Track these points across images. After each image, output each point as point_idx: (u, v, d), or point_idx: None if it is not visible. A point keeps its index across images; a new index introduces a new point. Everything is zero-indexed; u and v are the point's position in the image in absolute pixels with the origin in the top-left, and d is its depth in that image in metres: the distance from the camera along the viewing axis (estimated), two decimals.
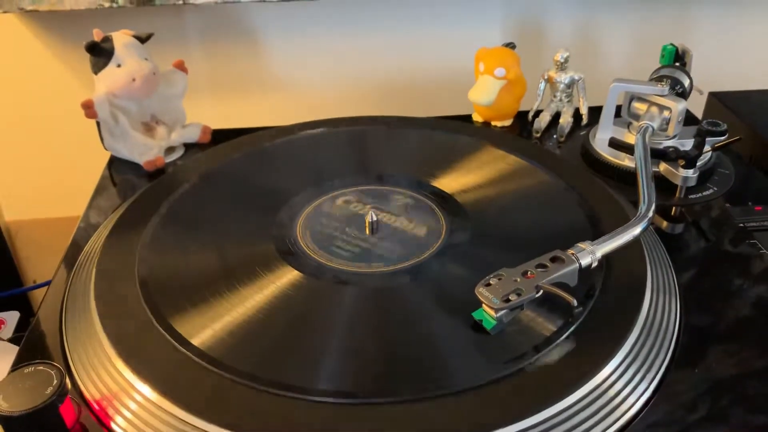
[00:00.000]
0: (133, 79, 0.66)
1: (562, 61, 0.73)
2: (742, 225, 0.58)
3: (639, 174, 0.54)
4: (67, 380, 0.39)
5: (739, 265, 0.53)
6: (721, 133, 0.61)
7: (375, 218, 0.54)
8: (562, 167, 0.62)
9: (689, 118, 0.71)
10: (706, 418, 0.41)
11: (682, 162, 0.60)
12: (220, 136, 0.73)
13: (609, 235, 0.47)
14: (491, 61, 0.72)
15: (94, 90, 0.67)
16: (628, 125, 0.67)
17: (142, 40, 0.68)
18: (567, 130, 0.73)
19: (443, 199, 0.58)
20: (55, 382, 0.38)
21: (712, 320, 0.48)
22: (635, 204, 0.52)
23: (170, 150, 0.71)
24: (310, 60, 0.89)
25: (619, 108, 0.66)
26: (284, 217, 0.56)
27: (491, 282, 0.43)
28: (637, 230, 0.48)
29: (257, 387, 0.40)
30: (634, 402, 0.41)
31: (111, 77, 0.65)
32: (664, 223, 0.59)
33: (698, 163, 0.61)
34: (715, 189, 0.62)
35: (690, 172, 0.60)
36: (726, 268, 0.53)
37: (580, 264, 0.44)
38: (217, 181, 0.61)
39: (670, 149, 0.60)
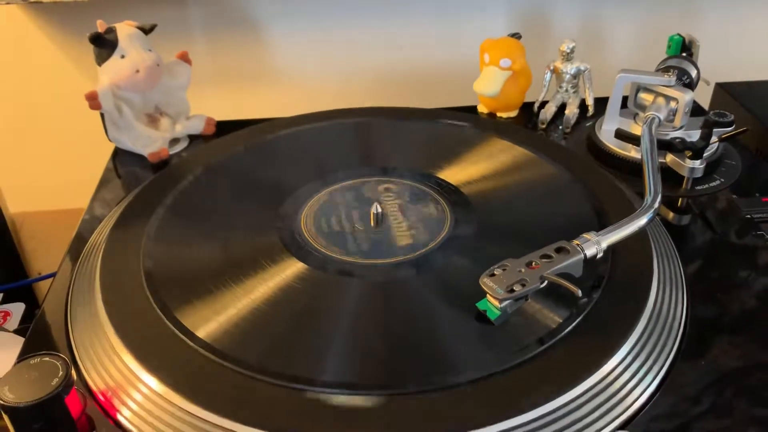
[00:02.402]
0: (137, 71, 0.65)
1: (568, 51, 0.72)
2: (748, 216, 0.57)
3: (645, 165, 0.54)
4: (73, 371, 0.39)
5: (745, 257, 0.53)
6: (728, 124, 0.61)
7: (380, 210, 0.53)
8: (568, 158, 0.61)
9: (696, 109, 0.70)
10: (710, 410, 0.41)
11: (688, 153, 0.60)
12: (225, 127, 0.73)
13: (614, 226, 0.46)
14: (496, 51, 0.71)
15: (98, 81, 0.66)
16: (635, 116, 0.66)
17: (146, 31, 0.67)
18: (573, 121, 0.73)
19: (448, 190, 0.58)
20: (60, 373, 0.38)
21: (718, 312, 0.48)
22: (641, 195, 0.52)
23: (174, 142, 0.71)
24: (315, 51, 0.89)
25: (625, 99, 0.66)
26: (289, 208, 0.56)
27: (495, 272, 0.43)
28: (642, 221, 0.47)
29: (262, 378, 0.40)
30: (640, 394, 0.41)
31: (115, 68, 0.65)
32: (671, 215, 0.59)
33: (705, 154, 0.60)
34: (722, 180, 0.62)
35: (697, 163, 0.60)
36: (733, 260, 0.53)
37: (585, 255, 0.44)
38: (222, 173, 0.61)
39: (677, 140, 0.60)
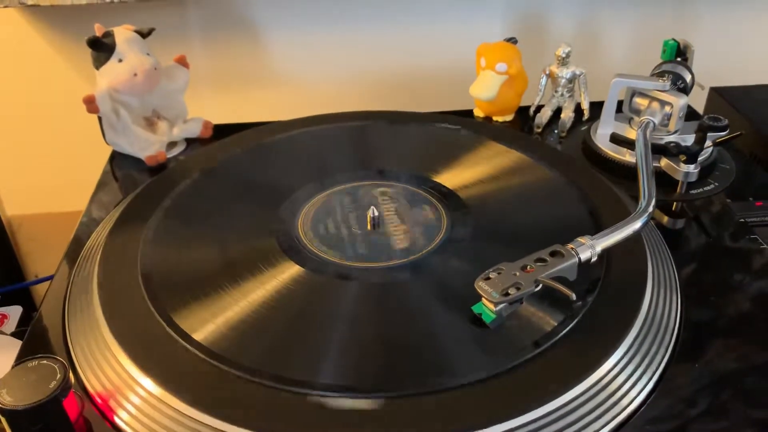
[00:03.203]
0: (135, 74, 0.66)
1: (564, 56, 0.73)
2: (742, 220, 0.58)
3: (639, 169, 0.55)
4: (71, 374, 0.39)
5: (739, 260, 0.53)
6: (723, 129, 0.61)
7: (376, 213, 0.54)
8: (563, 162, 0.62)
9: (690, 114, 0.71)
10: (706, 412, 0.41)
11: (683, 157, 0.60)
12: (222, 131, 0.73)
13: (609, 230, 0.47)
14: (492, 56, 0.72)
15: (96, 85, 0.67)
16: (630, 120, 0.67)
17: (144, 35, 0.68)
18: (568, 126, 0.73)
19: (444, 194, 0.58)
20: (58, 376, 0.38)
21: (712, 315, 0.48)
22: (636, 199, 0.52)
23: (172, 145, 0.71)
24: (312, 55, 0.89)
25: (620, 103, 0.66)
26: (286, 212, 0.56)
27: (491, 276, 0.43)
28: (637, 225, 0.48)
29: (259, 381, 0.40)
30: (635, 396, 0.41)
31: (112, 72, 0.65)
32: (665, 219, 0.59)
33: (699, 159, 0.61)
34: (716, 184, 0.62)
35: (691, 168, 0.60)
36: (727, 263, 0.53)
37: (579, 258, 0.44)
38: (219, 177, 0.61)
39: (672, 144, 0.60)
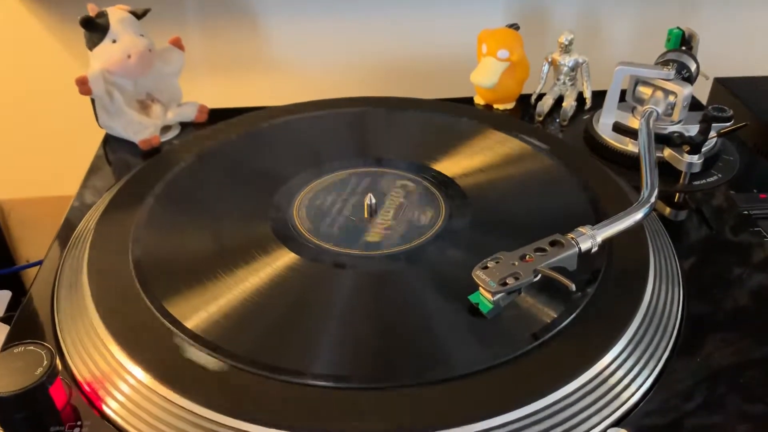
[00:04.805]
0: (129, 56, 0.64)
1: (567, 43, 0.72)
2: (746, 212, 0.57)
3: (642, 159, 0.54)
4: (58, 361, 0.38)
5: (742, 253, 0.53)
6: (727, 119, 0.60)
7: (374, 201, 0.53)
8: (565, 152, 0.61)
9: (694, 104, 0.70)
10: (703, 406, 0.40)
11: (686, 148, 0.59)
12: (217, 115, 0.72)
13: (610, 220, 0.46)
14: (494, 42, 0.71)
15: (89, 66, 0.65)
16: (633, 110, 0.66)
17: (138, 15, 0.67)
18: (570, 114, 0.72)
19: (443, 182, 0.57)
20: (45, 362, 0.37)
21: (713, 308, 0.47)
22: (638, 189, 0.51)
23: (166, 129, 0.71)
24: (310, 40, 0.88)
25: (623, 92, 0.66)
26: (281, 198, 0.55)
27: (489, 265, 0.42)
28: (638, 215, 0.47)
29: (252, 370, 0.39)
30: (635, 390, 0.41)
31: (106, 53, 0.64)
32: (668, 210, 0.58)
33: (703, 149, 0.60)
34: (720, 176, 0.62)
35: (695, 158, 0.59)
36: (729, 256, 0.52)
37: (579, 248, 0.44)
38: (214, 162, 0.60)
39: (675, 134, 0.59)
